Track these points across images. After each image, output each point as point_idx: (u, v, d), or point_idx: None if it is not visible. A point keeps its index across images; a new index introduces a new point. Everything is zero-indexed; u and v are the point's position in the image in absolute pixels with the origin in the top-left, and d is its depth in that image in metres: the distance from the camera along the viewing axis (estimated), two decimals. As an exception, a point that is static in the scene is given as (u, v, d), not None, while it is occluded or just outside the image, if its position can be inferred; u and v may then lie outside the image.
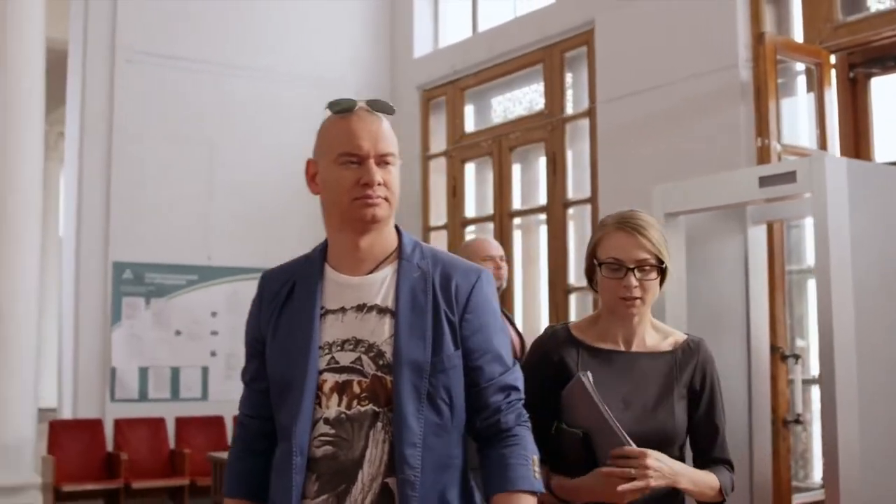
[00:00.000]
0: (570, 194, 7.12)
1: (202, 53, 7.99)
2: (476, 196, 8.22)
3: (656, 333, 2.24)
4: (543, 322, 7.27)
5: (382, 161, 1.86)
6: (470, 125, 8.28)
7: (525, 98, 7.81)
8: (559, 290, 7.04)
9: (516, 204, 7.70)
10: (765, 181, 4.11)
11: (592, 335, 2.22)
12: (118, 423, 7.43)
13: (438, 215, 8.35)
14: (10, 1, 7.03)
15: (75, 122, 7.79)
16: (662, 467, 2.05)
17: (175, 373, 7.77)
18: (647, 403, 2.17)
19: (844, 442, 3.70)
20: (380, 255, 1.90)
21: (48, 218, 9.37)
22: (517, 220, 7.71)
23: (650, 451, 2.04)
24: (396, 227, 1.96)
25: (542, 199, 7.39)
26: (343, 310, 1.87)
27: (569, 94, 7.31)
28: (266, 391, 1.94)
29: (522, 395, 1.95)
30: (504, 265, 4.18)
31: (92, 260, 7.57)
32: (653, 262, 2.12)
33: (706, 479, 2.16)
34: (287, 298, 1.91)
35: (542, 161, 7.43)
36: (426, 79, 8.50)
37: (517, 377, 1.94)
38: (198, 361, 7.86)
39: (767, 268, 4.73)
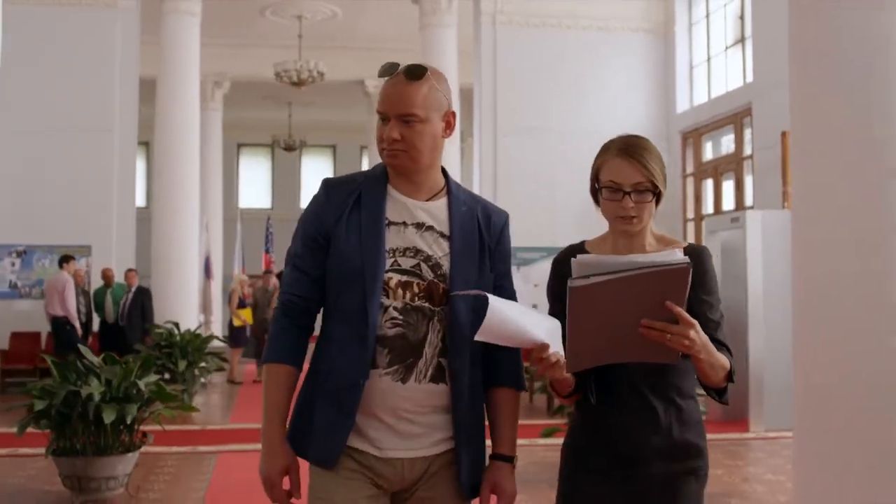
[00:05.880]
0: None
1: (544, 123, 13.59)
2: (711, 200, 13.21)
3: (657, 242, 2.35)
4: None
5: (402, 120, 2.19)
6: (707, 156, 13.39)
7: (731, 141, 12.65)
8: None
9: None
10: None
11: (602, 249, 2.34)
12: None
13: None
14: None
15: (477, 171, 13.86)
16: (697, 339, 2.07)
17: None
18: None
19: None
20: (433, 188, 2.30)
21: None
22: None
23: (695, 323, 2.06)
24: (443, 169, 2.33)
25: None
26: (405, 224, 2.25)
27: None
28: (320, 279, 2.26)
29: None
30: None
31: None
32: (647, 185, 2.23)
33: (721, 360, 2.18)
34: (354, 205, 2.24)
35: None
36: (683, 126, 13.68)
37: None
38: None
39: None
